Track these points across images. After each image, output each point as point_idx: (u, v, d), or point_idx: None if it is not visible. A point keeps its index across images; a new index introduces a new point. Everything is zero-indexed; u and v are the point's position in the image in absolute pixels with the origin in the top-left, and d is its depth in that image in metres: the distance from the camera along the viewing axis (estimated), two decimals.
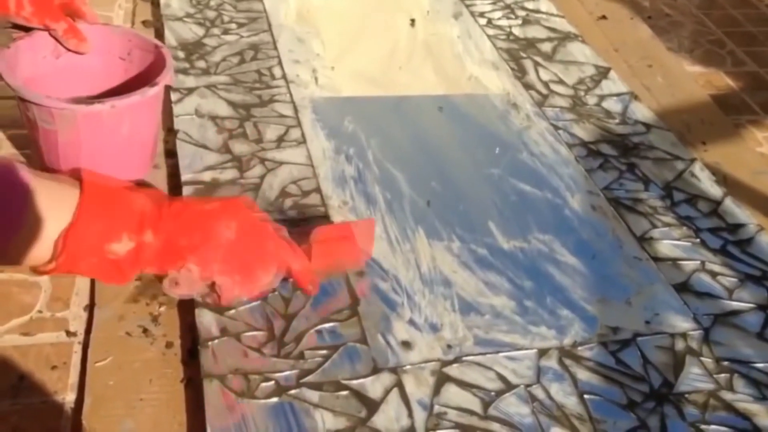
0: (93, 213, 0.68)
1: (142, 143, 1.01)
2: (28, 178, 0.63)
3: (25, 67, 0.95)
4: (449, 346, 0.85)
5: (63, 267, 0.67)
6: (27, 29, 0.96)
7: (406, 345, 0.84)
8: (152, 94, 0.94)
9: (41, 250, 0.65)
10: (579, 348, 0.87)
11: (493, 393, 0.80)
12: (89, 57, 1.01)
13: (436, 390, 0.80)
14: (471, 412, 0.78)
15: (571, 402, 0.81)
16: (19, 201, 0.63)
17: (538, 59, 1.40)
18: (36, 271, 0.69)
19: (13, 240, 0.63)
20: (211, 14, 1.37)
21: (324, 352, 0.81)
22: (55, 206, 0.66)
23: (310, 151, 1.09)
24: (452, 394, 0.80)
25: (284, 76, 1.24)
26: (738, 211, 1.11)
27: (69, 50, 0.99)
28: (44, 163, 1.00)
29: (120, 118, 0.93)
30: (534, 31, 1.49)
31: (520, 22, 1.52)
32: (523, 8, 1.56)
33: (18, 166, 0.63)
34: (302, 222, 0.96)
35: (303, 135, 1.12)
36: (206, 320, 0.82)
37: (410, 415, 0.77)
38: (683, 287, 0.97)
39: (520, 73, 1.36)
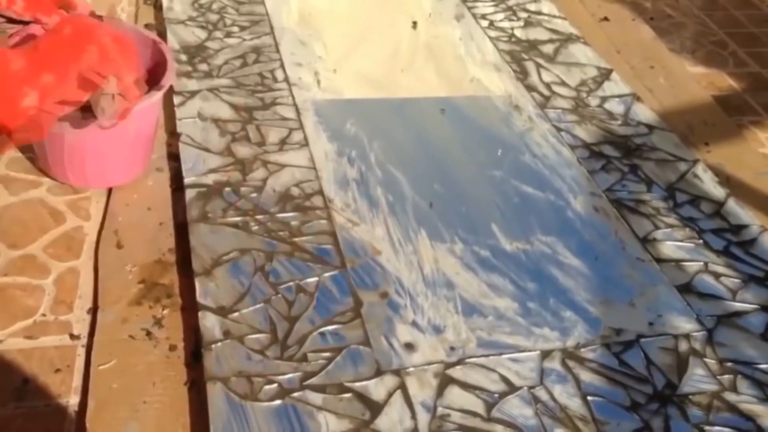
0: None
1: (147, 141, 1.02)
2: None
3: None
4: (452, 348, 0.85)
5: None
6: (21, 23, 0.96)
7: (409, 347, 0.84)
8: (159, 97, 0.95)
9: None
10: (582, 349, 0.87)
11: (496, 395, 0.80)
12: None
13: (440, 392, 0.80)
14: (474, 414, 0.78)
15: (574, 403, 0.81)
16: None
17: (540, 61, 1.40)
18: None
19: None
20: (214, 17, 1.38)
21: (327, 354, 0.82)
22: None
23: (313, 154, 1.09)
24: (455, 396, 0.80)
25: (286, 79, 1.25)
26: (741, 212, 1.11)
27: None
28: (49, 166, 1.00)
29: (127, 122, 0.93)
30: (536, 33, 1.49)
31: (522, 24, 1.52)
32: (525, 10, 1.56)
33: None
34: None
35: (305, 137, 1.12)
36: (209, 323, 0.83)
37: (413, 417, 0.77)
38: (686, 288, 0.97)
39: (522, 74, 1.36)
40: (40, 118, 0.78)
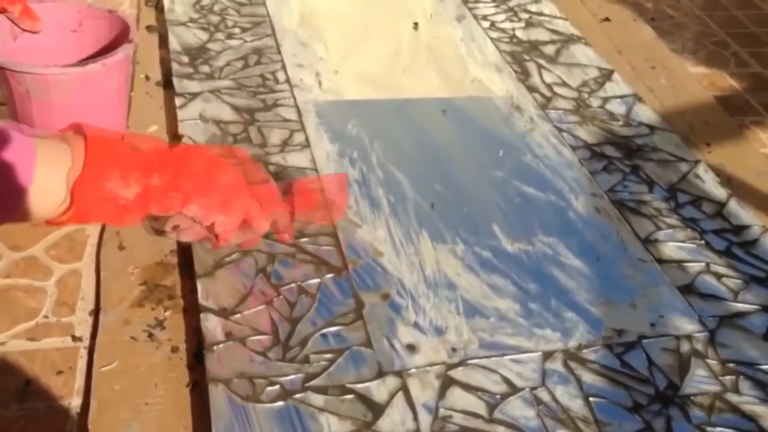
0: (100, 161, 0.70)
1: (125, 99, 1.08)
2: (32, 134, 0.66)
3: None
4: (454, 350, 0.85)
5: (76, 216, 0.69)
6: None
7: (411, 348, 0.84)
8: (131, 50, 1.01)
9: (53, 201, 0.67)
10: (584, 350, 0.87)
11: (498, 396, 0.80)
12: (43, 34, 1.05)
13: (441, 393, 0.80)
14: (476, 416, 0.78)
15: (576, 405, 0.81)
16: (27, 156, 0.65)
17: (542, 62, 1.40)
18: (51, 223, 0.70)
19: (26, 195, 0.65)
20: (215, 19, 1.38)
21: (329, 355, 0.82)
22: (62, 158, 0.68)
23: (314, 155, 1.10)
24: (457, 397, 0.80)
25: (288, 80, 1.25)
26: (743, 212, 1.11)
27: (24, 30, 1.02)
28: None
29: (108, 76, 0.99)
30: (537, 34, 1.49)
31: (523, 24, 1.52)
32: (526, 11, 1.56)
33: (21, 126, 0.67)
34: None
35: (307, 139, 1.13)
36: (211, 324, 0.83)
37: (415, 418, 0.77)
38: (688, 289, 0.97)
39: (523, 75, 1.36)
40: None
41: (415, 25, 1.48)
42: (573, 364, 0.85)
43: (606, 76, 1.39)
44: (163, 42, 1.32)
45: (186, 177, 0.74)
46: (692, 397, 0.83)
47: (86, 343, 0.84)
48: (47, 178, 0.66)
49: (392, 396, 0.78)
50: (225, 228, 0.76)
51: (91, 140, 0.71)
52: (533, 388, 0.82)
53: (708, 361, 0.88)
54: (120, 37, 1.06)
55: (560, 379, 0.83)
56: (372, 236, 0.98)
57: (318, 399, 0.77)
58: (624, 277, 0.98)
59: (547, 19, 1.55)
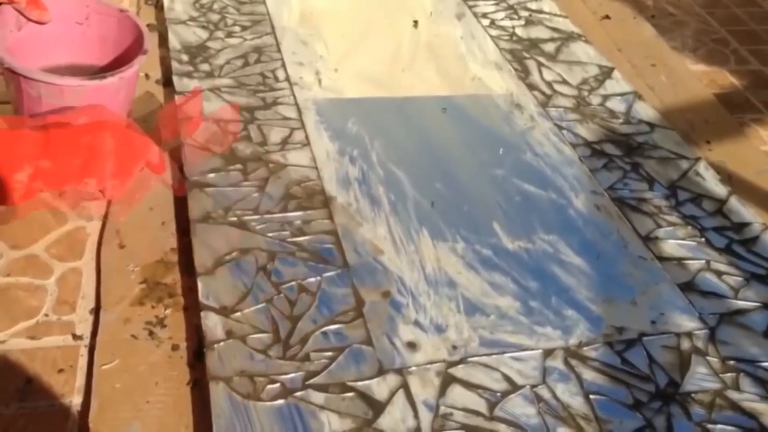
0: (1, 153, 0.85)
1: (131, 102, 1.11)
2: None
3: None
4: (454, 347, 0.85)
5: None
6: None
7: (412, 346, 0.84)
8: (143, 62, 1.03)
9: None
10: (584, 348, 0.87)
11: (498, 394, 0.80)
12: (48, 25, 1.07)
13: (442, 391, 0.80)
14: (477, 413, 0.78)
15: (577, 402, 0.81)
16: None
17: (542, 59, 1.40)
18: None
19: None
20: (215, 17, 1.38)
21: (329, 353, 0.82)
22: None
23: (314, 153, 1.09)
24: (458, 395, 0.80)
25: (288, 79, 1.25)
26: (743, 209, 1.11)
27: (30, 20, 1.04)
28: None
29: (121, 86, 1.02)
30: (537, 32, 1.49)
31: (523, 22, 1.52)
32: (526, 9, 1.56)
33: None
34: None
35: (307, 137, 1.12)
36: (212, 323, 0.83)
37: (416, 416, 0.77)
38: (689, 287, 0.97)
39: (523, 73, 1.36)
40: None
41: (415, 23, 1.48)
42: (573, 362, 0.85)
43: (606, 73, 1.38)
44: (163, 40, 1.32)
45: (73, 155, 0.89)
46: (693, 395, 0.83)
47: (87, 341, 0.84)
48: None
49: (393, 394, 0.78)
50: (116, 189, 0.92)
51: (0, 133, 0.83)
52: (534, 386, 0.82)
53: (708, 358, 0.88)
54: (126, 36, 1.07)
55: (561, 376, 0.83)
56: (372, 234, 0.98)
57: (318, 397, 0.77)
58: (624, 274, 0.98)
59: (547, 16, 1.54)
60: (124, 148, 0.92)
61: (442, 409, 0.78)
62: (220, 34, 1.33)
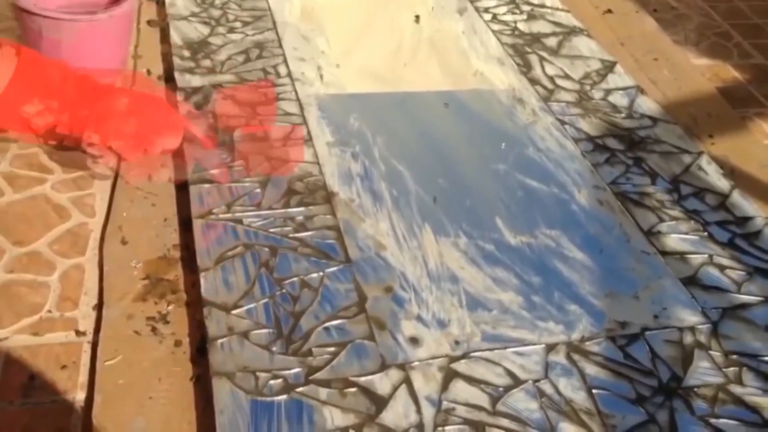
0: (24, 83, 0.88)
1: (126, 45, 1.18)
2: None
3: None
4: (457, 342, 0.85)
5: None
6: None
7: (414, 341, 0.84)
8: (136, 4, 1.12)
9: None
10: (587, 343, 0.87)
11: (501, 388, 0.80)
12: None
13: (444, 386, 0.80)
14: (479, 408, 0.78)
15: (579, 397, 0.81)
16: None
17: (544, 54, 1.40)
18: None
19: None
20: (216, 13, 1.38)
21: (332, 349, 0.82)
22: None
23: (316, 149, 1.09)
24: (460, 389, 0.80)
25: (289, 74, 1.24)
26: (746, 204, 1.11)
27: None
28: None
29: (113, 24, 1.10)
30: (539, 26, 1.49)
31: (525, 17, 1.51)
32: (528, 3, 1.56)
33: None
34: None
35: (309, 132, 1.12)
36: (214, 319, 0.83)
37: (418, 411, 0.77)
38: (691, 281, 0.97)
39: (525, 68, 1.35)
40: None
41: (417, 18, 1.48)
42: (576, 357, 0.85)
43: (608, 68, 1.38)
44: (165, 36, 1.32)
45: (82, 105, 0.91)
46: (696, 389, 0.83)
47: (90, 337, 0.84)
48: None
49: (395, 389, 0.78)
50: (122, 148, 0.94)
51: (23, 62, 0.86)
52: (536, 381, 0.82)
53: (711, 352, 0.88)
54: None
55: (563, 371, 0.83)
56: (374, 230, 0.98)
57: (321, 392, 0.77)
58: (627, 269, 0.98)
59: (548, 11, 1.54)
60: (143, 114, 0.95)
61: (445, 404, 0.78)
62: (221, 29, 1.33)
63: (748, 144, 1.27)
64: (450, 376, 0.81)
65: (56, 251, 0.93)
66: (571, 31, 1.48)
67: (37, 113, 0.89)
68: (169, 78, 1.22)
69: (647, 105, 1.29)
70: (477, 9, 1.51)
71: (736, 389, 0.84)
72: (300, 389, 0.77)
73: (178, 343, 0.83)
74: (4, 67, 0.87)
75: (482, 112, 1.24)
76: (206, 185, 1.00)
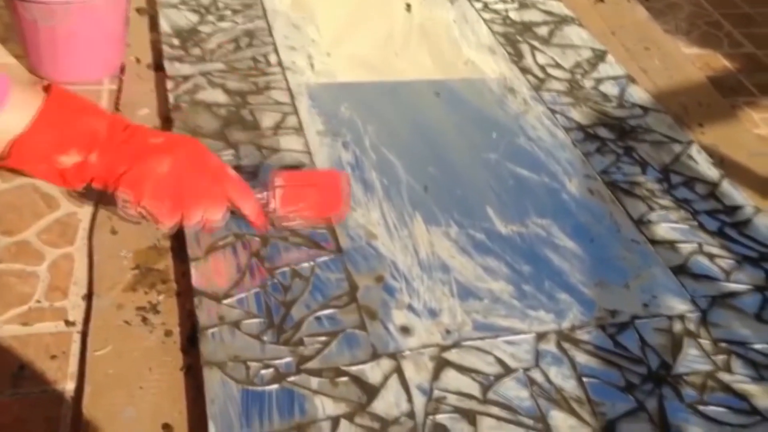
0: (48, 123, 0.76)
1: (122, 32, 1.17)
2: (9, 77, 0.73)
3: None
4: (448, 331, 0.85)
5: (10, 165, 0.77)
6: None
7: (405, 330, 0.84)
8: None
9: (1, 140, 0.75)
10: (577, 331, 0.87)
11: (492, 377, 0.81)
12: None
13: (436, 375, 0.80)
14: (470, 397, 0.78)
15: (569, 385, 0.81)
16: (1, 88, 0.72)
17: (535, 43, 1.40)
18: None
19: None
20: (206, 1, 1.37)
21: (323, 338, 0.82)
22: (17, 109, 0.74)
23: (307, 138, 1.09)
24: (451, 378, 0.80)
25: (280, 63, 1.24)
26: (735, 193, 1.11)
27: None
28: (41, 60, 1.13)
29: (108, 9, 1.10)
30: (530, 15, 1.48)
31: (516, 5, 1.51)
32: None
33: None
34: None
35: (299, 122, 1.12)
36: (205, 308, 0.83)
37: (410, 400, 0.77)
38: (681, 270, 0.98)
39: (516, 57, 1.35)
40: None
41: (408, 6, 1.47)
42: (566, 345, 0.85)
43: (599, 57, 1.38)
44: (154, 24, 1.31)
45: (122, 162, 0.80)
46: (684, 377, 0.84)
47: (79, 327, 0.84)
48: (5, 118, 0.73)
49: (386, 378, 0.79)
50: (155, 211, 0.81)
51: (51, 100, 0.76)
52: (527, 369, 0.82)
53: (700, 340, 0.88)
54: None
55: (554, 359, 0.84)
56: (365, 219, 0.98)
57: (312, 381, 0.77)
58: (617, 258, 0.98)
59: (540, 0, 1.54)
60: (185, 180, 0.81)
61: (436, 393, 0.78)
62: (211, 17, 1.32)
63: (738, 133, 1.28)
64: (441, 365, 0.81)
65: (45, 241, 0.93)
66: (563, 20, 1.48)
67: (74, 165, 0.78)
68: (158, 66, 1.22)
69: (638, 94, 1.30)
70: None
71: (724, 377, 0.85)
72: (291, 378, 0.77)
73: (168, 333, 0.83)
74: (23, 102, 0.74)
75: (473, 101, 1.24)
76: None
